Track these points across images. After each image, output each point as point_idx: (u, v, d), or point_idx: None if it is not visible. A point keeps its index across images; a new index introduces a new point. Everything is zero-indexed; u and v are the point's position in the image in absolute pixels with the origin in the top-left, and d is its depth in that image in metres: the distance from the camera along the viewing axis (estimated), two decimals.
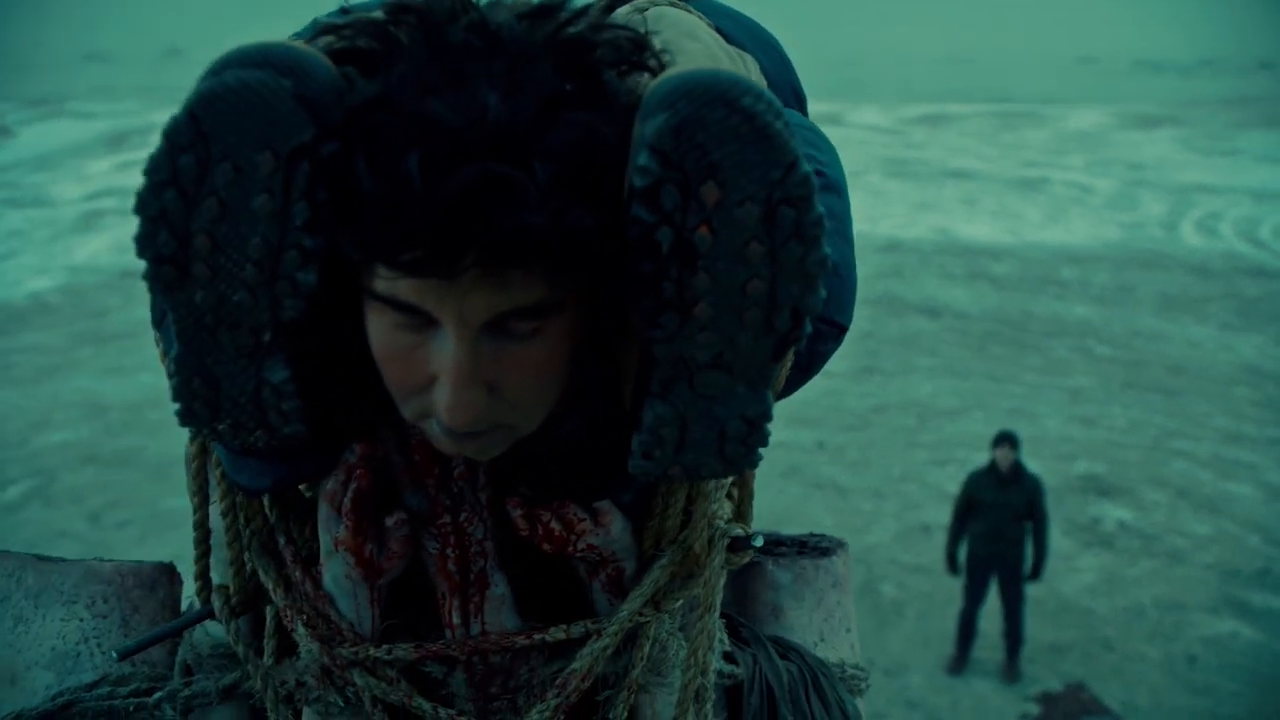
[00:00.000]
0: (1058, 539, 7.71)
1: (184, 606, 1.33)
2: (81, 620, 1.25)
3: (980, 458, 7.78)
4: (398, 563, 1.12)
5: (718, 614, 1.18)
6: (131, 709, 1.20)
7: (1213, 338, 12.94)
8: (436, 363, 0.92)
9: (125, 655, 1.19)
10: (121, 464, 9.79)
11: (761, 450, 0.98)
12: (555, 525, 1.11)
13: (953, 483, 8.26)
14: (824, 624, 1.38)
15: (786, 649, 1.32)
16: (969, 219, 18.78)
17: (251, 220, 0.87)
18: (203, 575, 1.22)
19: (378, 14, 0.88)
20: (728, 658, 1.26)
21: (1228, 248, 16.99)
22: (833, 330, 1.14)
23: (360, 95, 0.85)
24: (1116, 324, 13.38)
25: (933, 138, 25.95)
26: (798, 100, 1.34)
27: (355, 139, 0.84)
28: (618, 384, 1.06)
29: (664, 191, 0.85)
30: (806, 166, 0.85)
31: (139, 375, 11.70)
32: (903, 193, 20.01)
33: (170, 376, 1.03)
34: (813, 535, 1.45)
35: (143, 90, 33.07)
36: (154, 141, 0.89)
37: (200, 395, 0.96)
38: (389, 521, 1.10)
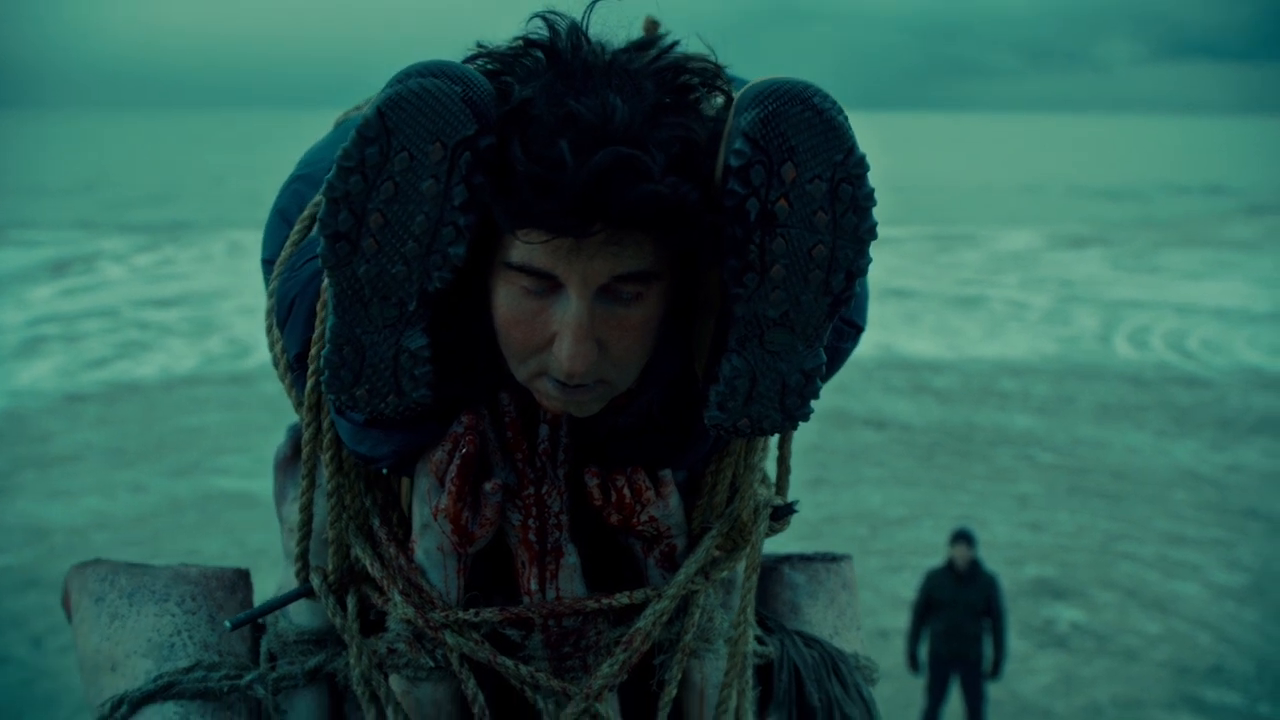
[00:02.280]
0: (1013, 641, 7.78)
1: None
2: (173, 615, 1.38)
3: (932, 563, 7.88)
4: (488, 530, 1.26)
5: (757, 577, 1.31)
6: (226, 690, 1.32)
7: (1150, 444, 13.29)
8: (558, 322, 1.10)
9: (237, 625, 1.32)
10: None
11: (813, 404, 1.16)
12: (627, 492, 1.27)
13: (907, 589, 8.34)
14: (837, 620, 1.51)
15: (808, 639, 1.45)
16: (910, 335, 19.25)
17: (419, 200, 1.05)
18: (303, 557, 1.36)
19: (515, 44, 1.11)
20: (758, 641, 1.39)
21: (1159, 359, 17.58)
22: (852, 330, 1.33)
23: (519, 97, 1.05)
24: (1058, 433, 13.71)
25: (872, 259, 26.60)
26: None
27: (511, 131, 1.04)
28: (688, 366, 1.23)
29: (753, 170, 1.05)
30: (862, 151, 1.06)
31: (82, 499, 11.50)
32: None
33: (284, 371, 1.26)
34: (818, 552, 1.58)
35: (83, 221, 33.17)
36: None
37: (348, 362, 1.13)
38: (487, 486, 1.24)
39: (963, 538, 7.05)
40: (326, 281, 1.13)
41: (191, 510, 11.09)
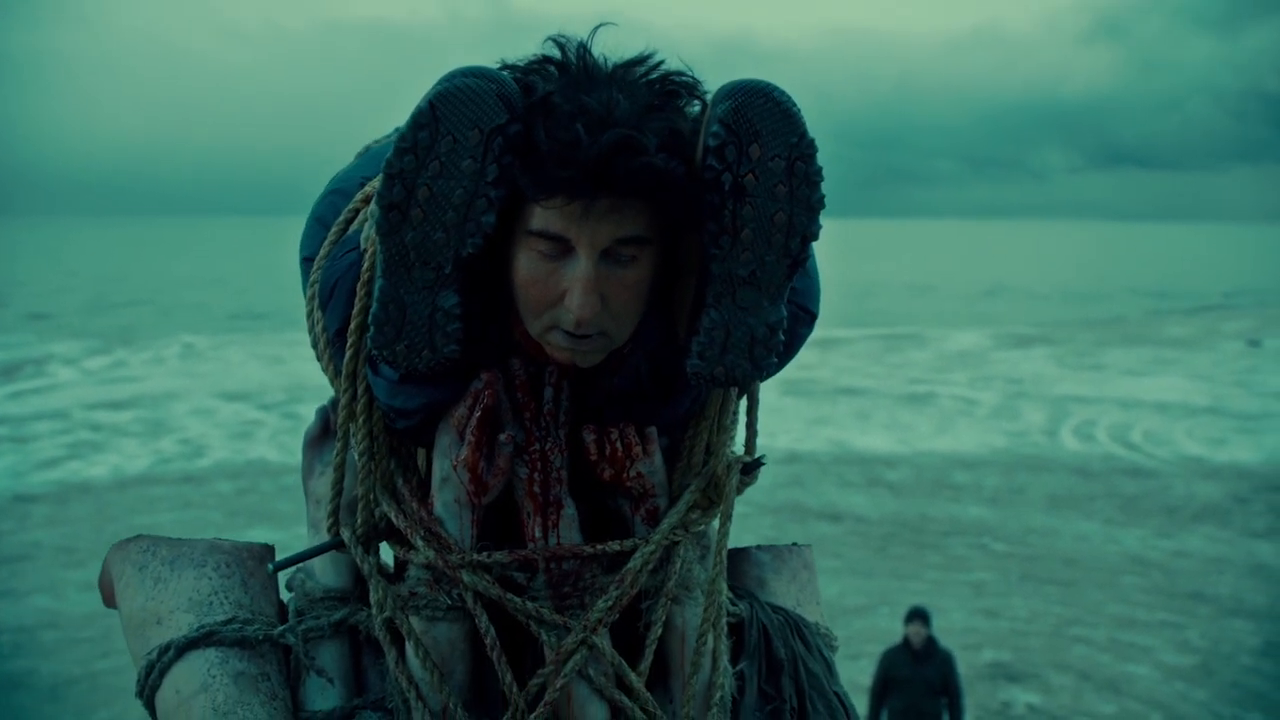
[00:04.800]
0: None
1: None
2: (210, 579, 1.55)
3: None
4: (500, 480, 1.46)
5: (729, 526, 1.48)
6: (260, 638, 1.50)
7: (1099, 532, 13.58)
8: (569, 279, 1.33)
9: (279, 568, 1.53)
10: (13, 687, 9.36)
11: (775, 360, 1.39)
12: (619, 445, 1.48)
13: (865, 675, 8.41)
14: (799, 593, 1.69)
15: (774, 607, 1.64)
16: (863, 431, 19.59)
17: (459, 176, 1.29)
18: (335, 513, 1.55)
19: (534, 57, 1.36)
20: (730, 603, 1.56)
21: (1105, 451, 18.04)
22: (807, 316, 1.54)
23: (543, 91, 1.31)
24: (1010, 522, 13.97)
25: (823, 360, 27.28)
26: None
27: (535, 119, 1.29)
28: (668, 335, 1.46)
29: (727, 150, 1.30)
30: (812, 135, 1.31)
31: (31, 598, 11.33)
32: (798, 409, 20.85)
33: (323, 348, 1.49)
34: (780, 545, 1.76)
35: (33, 325, 32.98)
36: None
37: (392, 319, 1.35)
38: (501, 437, 1.45)
39: (918, 616, 7.19)
40: (375, 250, 1.35)
41: None
